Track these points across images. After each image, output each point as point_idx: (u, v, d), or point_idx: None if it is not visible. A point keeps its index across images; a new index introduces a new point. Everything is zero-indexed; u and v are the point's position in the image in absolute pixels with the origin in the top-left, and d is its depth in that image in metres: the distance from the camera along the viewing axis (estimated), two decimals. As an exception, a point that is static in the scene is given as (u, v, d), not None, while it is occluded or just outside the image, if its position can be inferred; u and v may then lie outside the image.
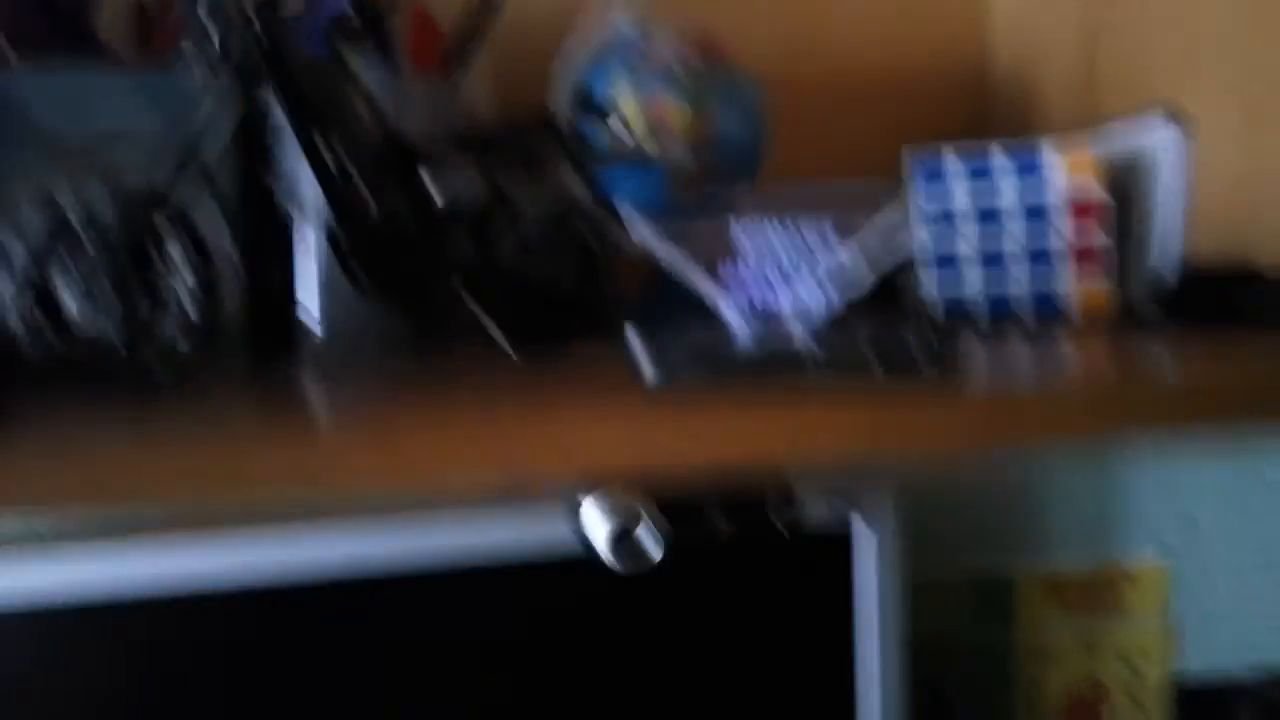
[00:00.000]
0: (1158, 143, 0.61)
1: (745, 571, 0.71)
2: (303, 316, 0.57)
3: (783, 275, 0.42)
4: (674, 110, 0.60)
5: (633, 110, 0.60)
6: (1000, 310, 0.59)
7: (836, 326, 0.32)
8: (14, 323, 0.42)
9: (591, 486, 0.31)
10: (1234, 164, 0.57)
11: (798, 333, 0.32)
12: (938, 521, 0.85)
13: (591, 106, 0.52)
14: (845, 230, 0.39)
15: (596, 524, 0.61)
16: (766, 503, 0.65)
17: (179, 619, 0.63)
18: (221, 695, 0.65)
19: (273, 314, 0.57)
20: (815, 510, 0.71)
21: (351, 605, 0.66)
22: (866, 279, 0.39)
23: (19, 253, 0.43)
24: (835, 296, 0.40)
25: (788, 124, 0.77)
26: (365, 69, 0.56)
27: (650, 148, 0.60)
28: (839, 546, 0.72)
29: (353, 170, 0.46)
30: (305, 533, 0.62)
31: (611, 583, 0.69)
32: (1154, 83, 0.63)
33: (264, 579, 0.62)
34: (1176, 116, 0.60)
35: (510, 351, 0.49)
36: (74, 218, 0.44)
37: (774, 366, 0.32)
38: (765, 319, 0.41)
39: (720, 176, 0.63)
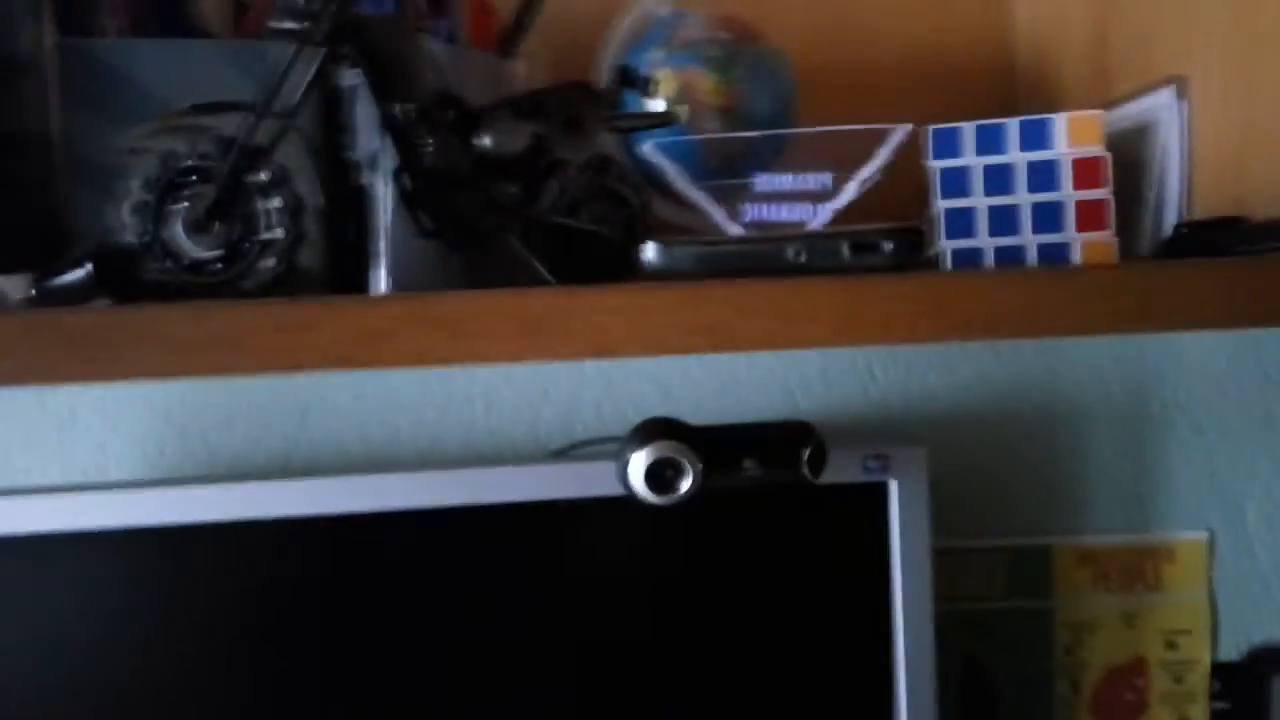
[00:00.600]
0: (1159, 110, 0.65)
1: (781, 524, 0.76)
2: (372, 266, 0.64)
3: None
4: (704, 81, 0.66)
5: (666, 81, 0.66)
6: (1008, 261, 0.63)
7: (824, 233, 0.37)
8: (131, 241, 0.50)
9: (599, 353, 0.36)
10: (1227, 128, 0.60)
11: (788, 236, 0.37)
12: (973, 488, 0.88)
13: (629, 78, 0.58)
14: (843, 178, 0.44)
15: (638, 463, 0.66)
16: (800, 454, 0.70)
17: (251, 547, 0.70)
18: (278, 623, 0.72)
19: (348, 265, 0.65)
20: (846, 467, 0.75)
21: (410, 540, 0.73)
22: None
23: (137, 188, 0.51)
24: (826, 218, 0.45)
25: (816, 106, 0.83)
26: (430, 43, 0.64)
27: (682, 115, 0.66)
28: (873, 504, 0.76)
29: (417, 123, 0.53)
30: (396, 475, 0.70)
31: (655, 527, 0.74)
32: (1158, 58, 0.67)
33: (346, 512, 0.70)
34: (1176, 85, 0.64)
35: (551, 280, 0.55)
36: (185, 164, 0.52)
37: (759, 259, 0.37)
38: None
39: (750, 143, 0.68)
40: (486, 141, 0.54)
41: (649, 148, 0.43)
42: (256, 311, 0.35)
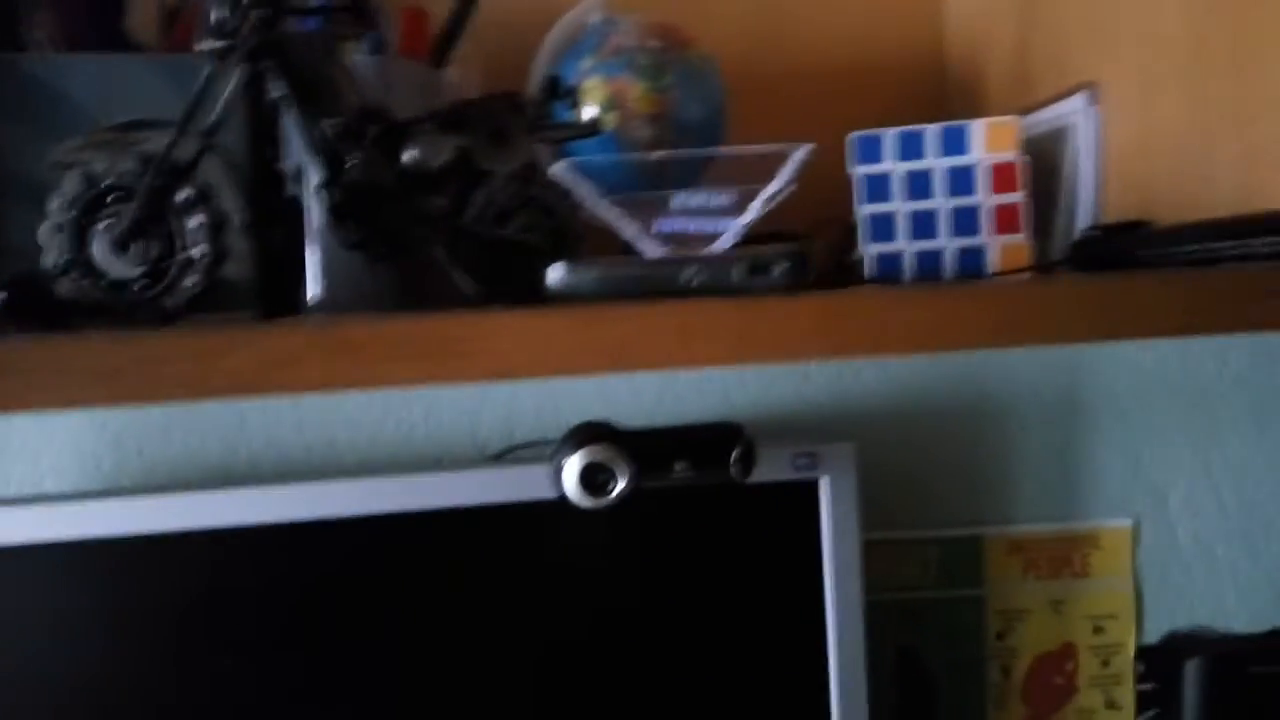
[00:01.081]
0: (1074, 115, 0.67)
1: (714, 522, 0.77)
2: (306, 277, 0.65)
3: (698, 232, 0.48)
4: (633, 89, 0.67)
5: (596, 90, 0.67)
6: (928, 264, 0.65)
7: (719, 256, 0.38)
8: (50, 263, 0.50)
9: (502, 374, 0.37)
10: (1135, 133, 0.62)
11: (685, 259, 0.38)
12: (906, 482, 0.90)
13: (555, 89, 0.59)
14: (750, 196, 0.45)
15: (571, 468, 0.67)
16: (731, 455, 0.71)
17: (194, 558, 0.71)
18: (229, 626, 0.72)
19: (278, 275, 0.65)
20: (776, 465, 0.77)
21: (349, 547, 0.73)
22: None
23: (57, 208, 0.52)
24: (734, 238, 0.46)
25: (750, 112, 0.84)
26: (356, 52, 0.64)
27: (609, 124, 0.67)
28: (804, 500, 0.78)
29: (340, 138, 0.54)
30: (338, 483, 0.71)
31: (591, 528, 0.76)
32: (1074, 64, 0.69)
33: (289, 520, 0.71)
34: (1089, 91, 0.66)
35: (476, 297, 0.56)
36: (106, 183, 0.52)
37: (659, 281, 0.38)
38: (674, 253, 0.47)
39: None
40: (411, 155, 0.55)
41: (559, 167, 0.44)
42: (165, 340, 0.36)
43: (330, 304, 0.65)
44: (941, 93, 0.88)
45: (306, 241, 0.64)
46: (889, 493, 0.90)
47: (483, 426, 0.84)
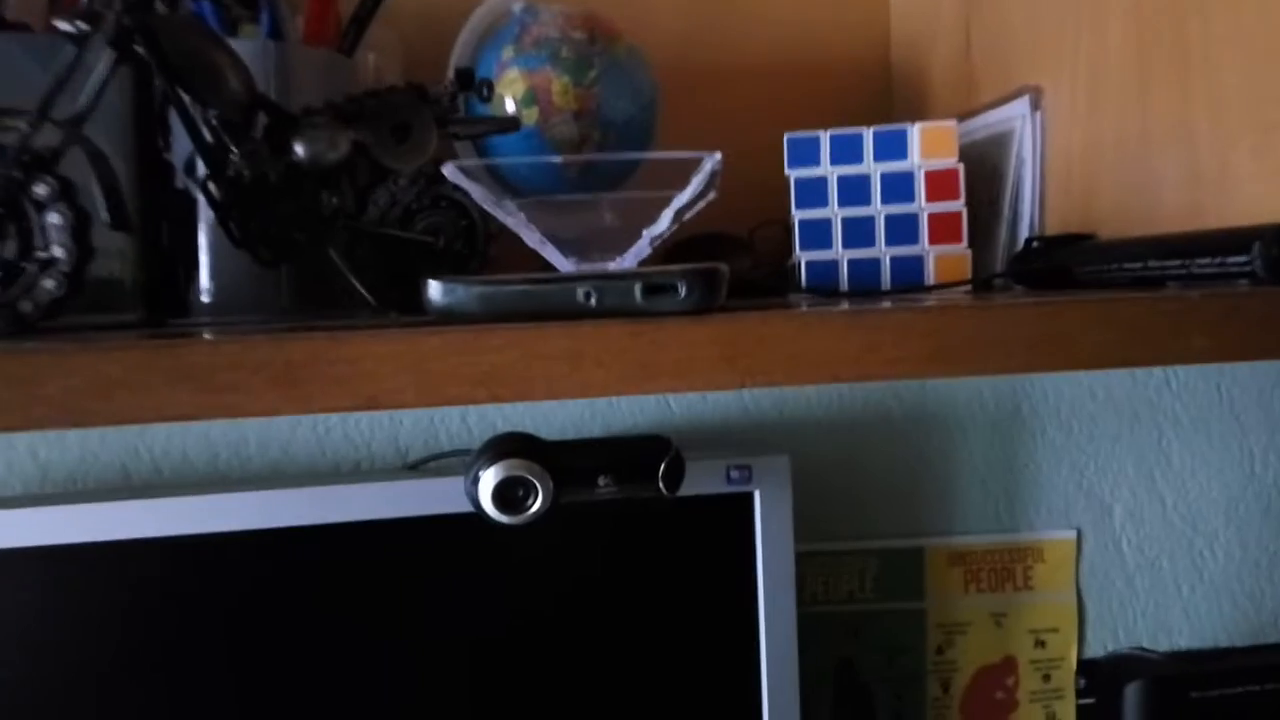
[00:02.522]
0: (1015, 120, 0.64)
1: (645, 535, 0.74)
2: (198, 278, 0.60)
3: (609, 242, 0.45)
4: (555, 82, 0.63)
5: (515, 83, 0.63)
6: (863, 273, 0.62)
7: (616, 275, 0.34)
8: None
9: (369, 404, 0.33)
10: (1078, 141, 0.60)
11: (578, 276, 0.34)
12: (845, 491, 0.87)
13: (466, 81, 0.55)
14: (661, 204, 0.41)
15: (486, 482, 0.63)
16: (658, 469, 0.67)
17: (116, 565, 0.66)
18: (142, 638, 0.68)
19: (166, 275, 0.60)
20: (709, 478, 0.74)
21: (257, 560, 0.69)
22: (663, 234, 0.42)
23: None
24: (644, 251, 0.42)
25: (685, 110, 0.81)
26: (250, 37, 0.59)
27: (530, 120, 0.63)
28: (737, 513, 0.75)
29: (221, 129, 0.49)
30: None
31: (515, 540, 0.72)
32: (1016, 66, 0.66)
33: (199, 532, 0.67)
34: (1030, 95, 0.63)
35: (373, 301, 0.52)
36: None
37: (548, 301, 0.35)
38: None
39: (607, 149, 0.66)
40: (302, 149, 0.50)
41: (449, 166, 0.40)
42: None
43: (222, 306, 0.60)
44: (886, 93, 0.85)
45: (198, 239, 0.59)
46: (827, 503, 0.87)
47: (404, 432, 0.80)
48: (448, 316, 0.35)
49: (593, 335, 0.34)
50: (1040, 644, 0.91)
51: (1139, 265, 0.50)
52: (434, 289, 0.35)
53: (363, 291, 0.50)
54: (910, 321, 0.35)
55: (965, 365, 0.35)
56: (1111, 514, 0.91)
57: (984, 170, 0.67)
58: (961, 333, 0.35)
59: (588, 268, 0.45)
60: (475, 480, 0.64)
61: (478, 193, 0.41)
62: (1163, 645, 0.92)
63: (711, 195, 0.43)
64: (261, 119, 0.51)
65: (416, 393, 0.33)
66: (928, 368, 0.35)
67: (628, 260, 0.43)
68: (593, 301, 0.34)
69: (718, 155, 0.39)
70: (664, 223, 0.41)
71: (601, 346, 0.34)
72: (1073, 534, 0.91)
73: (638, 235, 0.43)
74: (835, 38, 0.85)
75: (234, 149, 0.49)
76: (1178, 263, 0.47)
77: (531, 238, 0.42)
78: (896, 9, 0.84)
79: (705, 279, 0.34)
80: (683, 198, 0.39)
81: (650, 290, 0.34)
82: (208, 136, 0.50)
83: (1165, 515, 0.91)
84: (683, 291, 0.34)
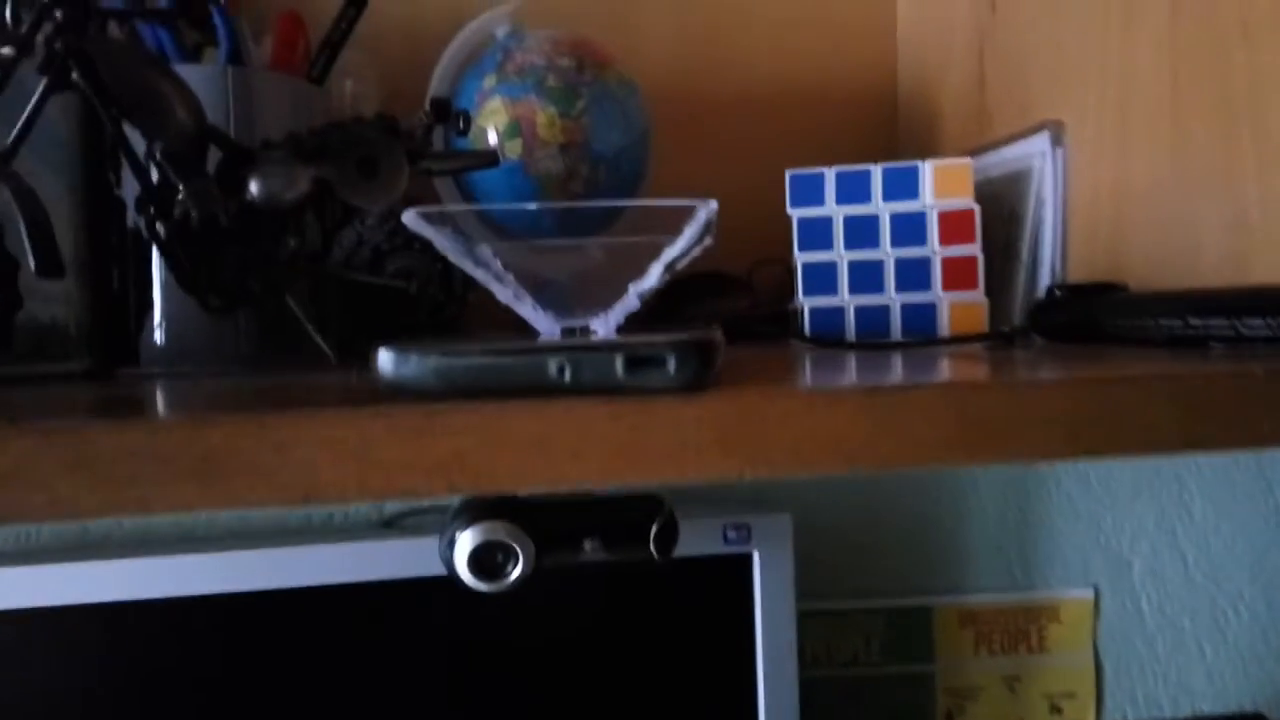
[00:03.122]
0: (1035, 157, 0.60)
1: (638, 598, 0.69)
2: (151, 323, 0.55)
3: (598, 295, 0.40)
4: (541, 113, 0.58)
5: (498, 113, 0.58)
6: (872, 322, 0.57)
7: (594, 345, 0.29)
8: None
9: (305, 498, 0.28)
10: (1104, 180, 0.55)
11: (549, 347, 0.30)
12: (849, 547, 0.82)
13: (442, 112, 0.50)
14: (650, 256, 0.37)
15: (462, 546, 0.59)
16: (649, 531, 0.62)
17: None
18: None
19: (116, 320, 0.55)
20: (706, 538, 0.69)
21: (223, 624, 0.64)
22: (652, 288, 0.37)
23: None
24: (631, 308, 0.38)
25: (681, 144, 0.76)
26: (208, 62, 0.55)
27: (513, 153, 0.58)
28: (735, 575, 0.70)
29: (168, 164, 0.45)
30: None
31: (498, 603, 0.67)
32: (1035, 100, 0.62)
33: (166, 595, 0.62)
34: (1051, 130, 0.59)
35: (332, 355, 0.47)
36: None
37: (516, 375, 0.30)
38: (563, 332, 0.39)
39: (597, 185, 0.61)
40: (255, 188, 0.45)
41: (407, 216, 0.35)
42: None
43: (176, 354, 0.55)
44: (892, 127, 0.81)
45: (151, 282, 0.55)
46: (830, 559, 0.82)
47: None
48: (400, 390, 0.30)
49: (566, 418, 0.29)
50: (1056, 709, 0.85)
51: (1178, 323, 0.45)
52: (384, 359, 0.30)
53: (321, 345, 0.45)
54: (934, 400, 0.30)
55: (998, 451, 0.30)
56: (1130, 571, 0.86)
57: (999, 211, 0.63)
58: (994, 413, 0.30)
59: (568, 324, 0.40)
60: (451, 544, 0.59)
61: (442, 240, 0.36)
62: (1184, 710, 0.87)
63: (707, 242, 0.38)
64: (209, 155, 0.46)
65: (360, 485, 0.28)
66: (954, 454, 0.30)
67: (614, 317, 0.38)
68: (567, 376, 0.29)
69: (713, 204, 0.34)
70: (653, 276, 0.36)
71: (577, 431, 0.29)
72: (1090, 592, 0.85)
73: (625, 287, 0.38)
74: (838, 69, 0.81)
75: (181, 186, 0.44)
76: (1224, 322, 0.43)
77: (504, 292, 0.38)
78: (904, 38, 0.79)
79: (697, 351, 0.29)
80: (673, 250, 0.35)
81: (633, 364, 0.29)
82: (153, 172, 0.45)
83: (1187, 572, 0.86)
84: (671, 366, 0.29)
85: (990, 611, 0.84)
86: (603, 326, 0.40)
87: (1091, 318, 0.51)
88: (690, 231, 0.34)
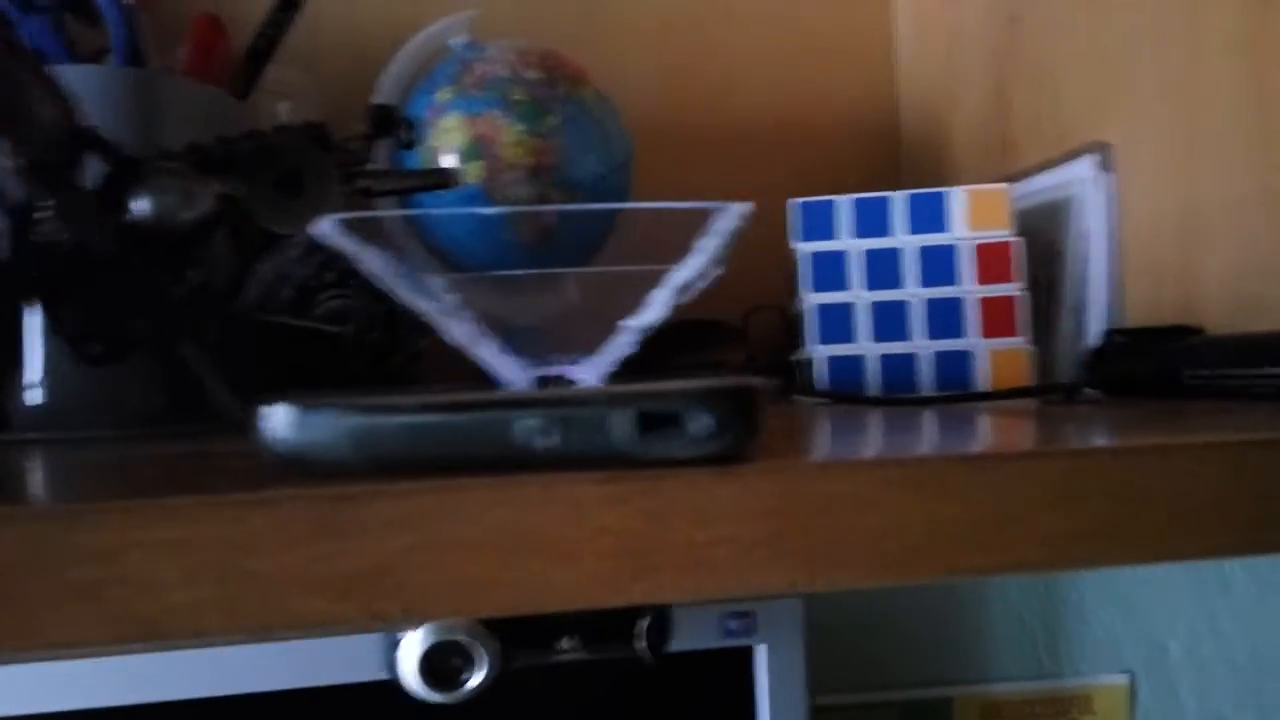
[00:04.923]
0: (1078, 184, 0.52)
1: (623, 696, 0.59)
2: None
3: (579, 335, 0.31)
4: (505, 131, 0.49)
5: (455, 130, 0.50)
6: (897, 372, 0.49)
7: (589, 397, 0.20)
8: None
9: (145, 636, 0.18)
10: (1166, 207, 0.47)
11: (524, 400, 0.20)
12: (864, 635, 0.73)
13: (385, 121, 0.42)
14: (651, 280, 0.28)
15: (410, 649, 0.48)
16: (637, 626, 0.53)
17: None
18: None
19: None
20: (703, 629, 0.59)
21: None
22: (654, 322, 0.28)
23: None
24: (625, 350, 0.29)
25: (665, 169, 0.68)
26: (102, 63, 0.46)
27: (473, 176, 0.49)
28: (737, 671, 0.60)
29: (29, 176, 0.35)
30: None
31: (452, 709, 0.56)
32: (1073, 122, 0.54)
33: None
34: (1099, 153, 0.51)
35: (236, 413, 0.37)
36: None
37: (474, 440, 0.20)
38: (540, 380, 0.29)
39: (572, 218, 0.52)
40: (143, 205, 0.36)
41: (322, 225, 0.26)
42: None
43: (57, 413, 0.45)
44: (892, 159, 0.73)
45: (23, 326, 0.45)
46: (842, 648, 0.72)
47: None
48: (300, 464, 0.20)
49: (548, 503, 0.19)
50: (1090, 813, 0.75)
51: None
52: (278, 418, 0.20)
53: (226, 402, 0.35)
54: (1062, 474, 0.21)
55: (1164, 545, 0.21)
56: (1167, 655, 0.77)
57: (1035, 245, 0.55)
58: (1150, 490, 0.21)
59: (543, 371, 0.31)
60: (396, 645, 0.49)
61: (374, 262, 0.27)
62: (1230, 810, 0.77)
63: (719, 270, 0.29)
64: (93, 165, 0.37)
65: (227, 615, 0.18)
66: (1103, 547, 0.21)
67: (603, 364, 0.29)
68: (549, 441, 0.20)
69: (746, 206, 0.25)
70: (657, 308, 0.27)
71: (563, 521, 0.19)
72: (1124, 679, 0.76)
73: (614, 327, 0.29)
74: (833, 98, 0.73)
75: (43, 202, 0.35)
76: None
77: (460, 333, 0.28)
78: (905, 63, 0.72)
79: (734, 406, 0.20)
80: (686, 270, 0.26)
81: (646, 423, 0.20)
82: (10, 185, 0.36)
83: (1229, 655, 0.78)
84: (699, 426, 0.20)
85: (1016, 702, 0.75)
86: (588, 375, 0.31)
87: (1164, 367, 0.43)
88: (712, 244, 0.25)
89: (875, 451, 0.22)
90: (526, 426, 0.20)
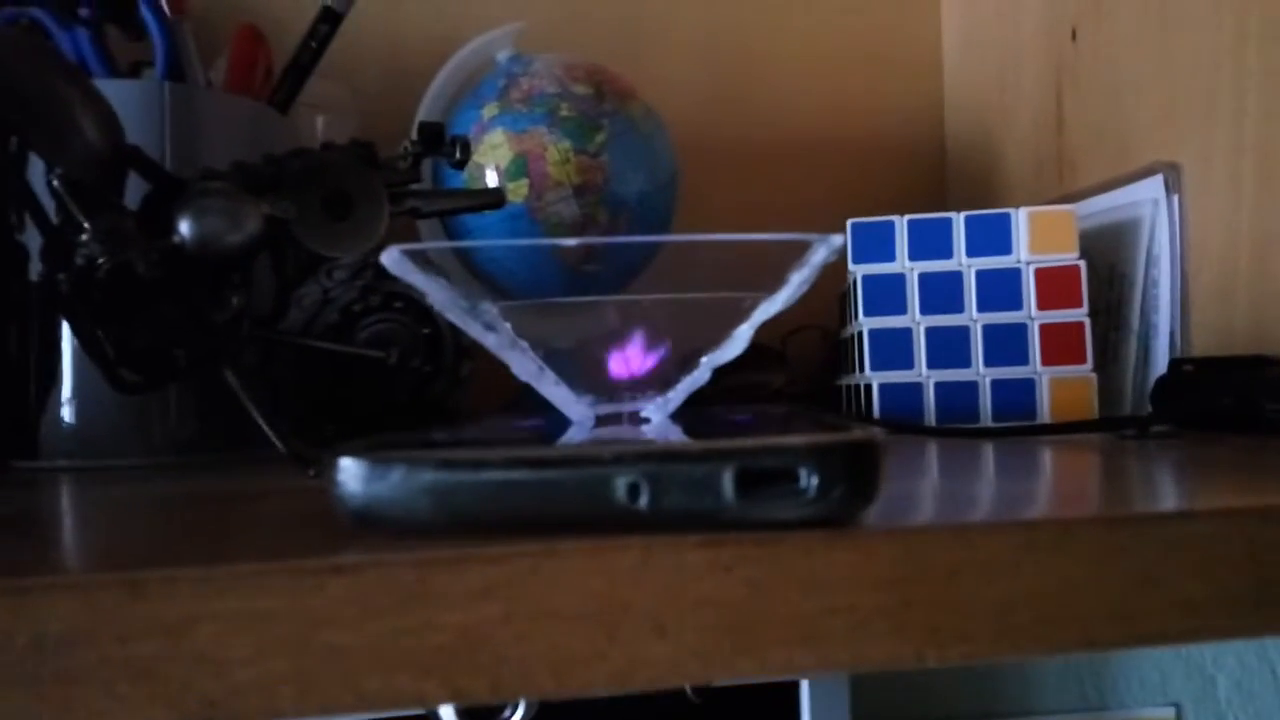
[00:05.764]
0: (1142, 206, 0.50)
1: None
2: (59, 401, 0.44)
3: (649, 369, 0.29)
4: (552, 149, 0.48)
5: (499, 148, 0.48)
6: (956, 401, 0.47)
7: (683, 452, 0.18)
8: None
9: None
10: (1238, 229, 0.46)
11: (609, 457, 0.18)
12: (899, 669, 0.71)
13: (433, 139, 0.40)
14: (730, 318, 0.26)
15: None
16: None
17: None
18: None
19: (15, 396, 0.44)
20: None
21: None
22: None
23: None
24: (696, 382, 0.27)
25: (707, 189, 0.67)
26: (145, 78, 0.45)
27: (518, 194, 0.48)
28: (779, 707, 0.58)
29: (69, 197, 0.34)
30: None
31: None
32: (1138, 141, 0.52)
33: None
34: (1165, 175, 0.49)
35: (286, 450, 0.35)
36: None
37: (557, 498, 0.19)
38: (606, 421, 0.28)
39: (616, 232, 0.51)
40: (186, 228, 0.35)
41: (388, 255, 0.25)
42: None
43: (90, 439, 0.43)
44: (938, 178, 0.72)
45: (59, 347, 0.43)
46: (888, 679, 0.70)
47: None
48: (371, 522, 0.19)
49: (643, 570, 0.18)
50: None
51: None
52: (348, 473, 0.19)
53: (272, 437, 0.34)
54: (1217, 533, 0.19)
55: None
56: (1215, 686, 0.75)
57: (1098, 270, 0.53)
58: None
59: (607, 408, 0.29)
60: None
61: (439, 294, 0.25)
62: None
63: (805, 286, 0.28)
64: (136, 184, 0.36)
65: (300, 694, 0.17)
66: (1250, 619, 0.19)
67: (674, 400, 0.27)
68: (641, 502, 0.18)
69: (838, 240, 0.24)
70: (739, 341, 0.25)
71: (659, 591, 0.18)
72: (1171, 712, 0.74)
73: (686, 360, 0.28)
74: (880, 113, 0.72)
75: (84, 224, 0.34)
76: None
77: (525, 367, 0.27)
78: (952, 77, 0.71)
79: (850, 460, 0.18)
80: (776, 303, 0.24)
81: (749, 481, 0.18)
82: (51, 207, 0.35)
83: (1279, 687, 0.75)
84: (811, 484, 0.18)
85: (1060, 736, 0.72)
86: (657, 412, 0.29)
87: (1244, 399, 0.41)
88: (803, 274, 0.23)
89: (994, 505, 0.21)
90: (620, 483, 0.18)
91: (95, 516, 0.25)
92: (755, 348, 0.64)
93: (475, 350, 0.43)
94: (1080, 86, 0.57)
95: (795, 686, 0.57)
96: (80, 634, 0.16)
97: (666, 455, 0.18)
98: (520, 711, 0.47)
